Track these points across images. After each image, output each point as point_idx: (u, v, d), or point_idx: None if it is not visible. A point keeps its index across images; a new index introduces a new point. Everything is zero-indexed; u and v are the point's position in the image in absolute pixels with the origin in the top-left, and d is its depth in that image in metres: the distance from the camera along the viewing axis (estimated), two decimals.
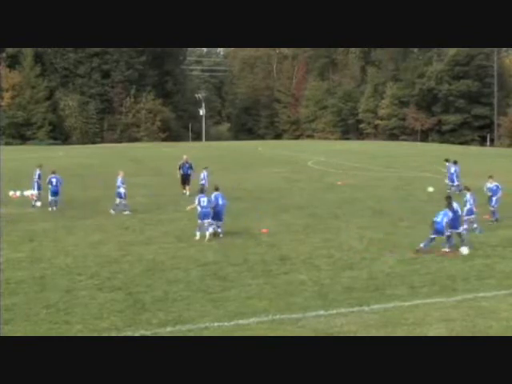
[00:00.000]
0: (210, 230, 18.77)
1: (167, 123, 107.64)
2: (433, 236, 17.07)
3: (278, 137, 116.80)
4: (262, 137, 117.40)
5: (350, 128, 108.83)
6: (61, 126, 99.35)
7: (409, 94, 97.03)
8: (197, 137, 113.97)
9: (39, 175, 26.71)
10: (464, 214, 18.55)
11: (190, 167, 26.99)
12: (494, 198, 21.41)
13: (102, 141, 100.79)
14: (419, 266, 15.45)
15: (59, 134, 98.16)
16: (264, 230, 20.25)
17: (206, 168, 28.74)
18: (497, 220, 21.17)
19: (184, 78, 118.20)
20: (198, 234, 18.78)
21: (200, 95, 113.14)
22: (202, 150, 74.12)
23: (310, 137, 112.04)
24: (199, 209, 18.82)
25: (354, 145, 78.02)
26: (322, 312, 11.84)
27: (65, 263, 15.92)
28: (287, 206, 26.18)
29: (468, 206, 19.17)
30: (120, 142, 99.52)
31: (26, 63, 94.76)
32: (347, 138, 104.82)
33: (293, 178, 38.30)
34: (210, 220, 18.79)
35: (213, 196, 19.47)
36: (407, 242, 18.49)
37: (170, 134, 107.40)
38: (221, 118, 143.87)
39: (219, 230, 19.21)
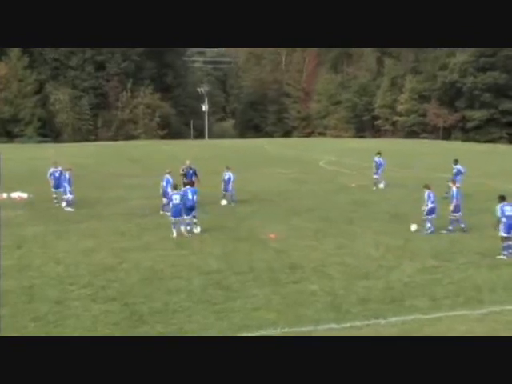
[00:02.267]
0: (184, 227, 20.31)
1: (167, 119, 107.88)
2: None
3: (286, 134, 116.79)
4: (269, 134, 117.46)
5: (365, 125, 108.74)
6: (51, 122, 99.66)
7: (430, 87, 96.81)
8: (199, 134, 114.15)
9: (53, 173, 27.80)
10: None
11: (195, 173, 26.39)
12: None
13: (96, 138, 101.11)
14: (441, 276, 15.41)
15: (49, 131, 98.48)
16: (272, 236, 20.26)
17: (228, 168, 28.35)
18: None
19: (185, 70, 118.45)
20: (174, 231, 20.17)
21: (202, 89, 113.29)
22: (204, 148, 74.24)
23: (322, 134, 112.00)
24: (171, 206, 20.39)
25: (369, 143, 77.97)
26: (334, 325, 11.84)
27: (55, 271, 15.96)
28: (297, 209, 26.19)
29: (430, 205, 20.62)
30: (115, 139, 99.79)
31: (13, 54, 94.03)
32: (362, 136, 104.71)
33: (303, 178, 38.31)
34: (185, 217, 20.30)
35: (182, 191, 20.82)
36: (428, 248, 18.44)
37: (170, 131, 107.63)
38: (225, 114, 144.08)
39: (195, 220, 20.70)
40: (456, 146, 71.90)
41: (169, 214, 24.39)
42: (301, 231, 21.20)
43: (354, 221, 23.15)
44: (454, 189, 21.22)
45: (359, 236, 20.33)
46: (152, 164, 50.30)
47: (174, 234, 20.05)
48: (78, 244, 19.32)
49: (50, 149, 69.98)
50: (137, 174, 42.14)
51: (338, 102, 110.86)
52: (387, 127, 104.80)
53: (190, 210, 20.77)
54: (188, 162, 26.96)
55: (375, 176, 33.48)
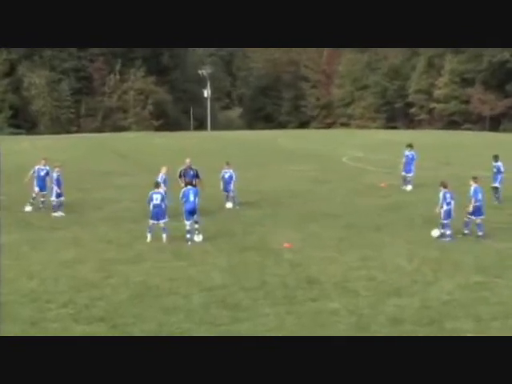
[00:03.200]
0: (166, 234, 20.76)
1: (162, 107, 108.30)
2: None
3: (303, 125, 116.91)
4: (283, 125, 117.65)
5: (396, 113, 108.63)
6: (25, 110, 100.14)
7: (474, 69, 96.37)
8: (200, 125, 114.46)
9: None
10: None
11: (196, 175, 25.87)
12: None
13: (79, 130, 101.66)
14: (488, 293, 15.36)
15: (23, 121, 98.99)
16: (286, 245, 20.29)
17: (228, 165, 28.44)
18: None
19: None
20: (149, 235, 20.87)
21: (204, 72, 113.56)
22: (206, 141, 74.41)
23: (345, 125, 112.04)
24: (150, 207, 20.98)
25: (401, 135, 77.80)
26: None
27: (29, 287, 16.03)
28: (315, 213, 26.20)
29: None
30: (101, 131, 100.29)
31: None
32: (393, 127, 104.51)
33: (322, 177, 38.30)
34: (165, 220, 20.95)
35: (182, 192, 21.40)
36: (470, 260, 18.39)
37: (166, 121, 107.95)
38: (231, 101, 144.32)
39: (197, 226, 21.08)
40: (506, 139, 71.57)
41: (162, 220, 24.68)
42: (320, 240, 21.21)
43: (383, 228, 23.12)
44: (474, 187, 21.47)
45: (388, 245, 20.30)
46: (145, 160, 50.51)
47: (149, 239, 20.78)
48: (57, 255, 19.40)
49: (24, 142, 70.42)
50: (127, 171, 42.31)
51: (365, 87, 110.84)
52: (423, 116, 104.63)
53: (191, 213, 21.01)
54: (188, 161, 26.33)
55: (404, 173, 33.23)
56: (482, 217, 21.63)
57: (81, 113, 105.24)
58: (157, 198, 21.07)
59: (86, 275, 17.07)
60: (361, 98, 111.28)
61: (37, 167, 27.98)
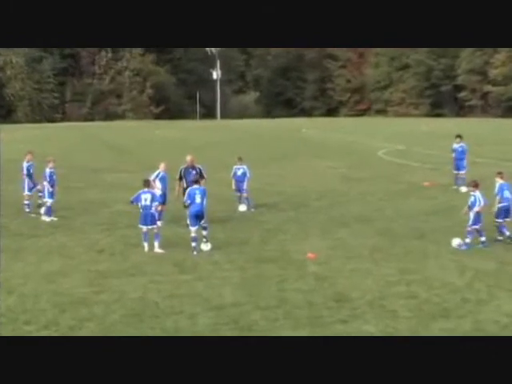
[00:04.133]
0: (158, 242, 21.02)
1: (163, 91, 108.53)
2: None
3: (331, 112, 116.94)
4: (307, 112, 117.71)
5: (443, 98, 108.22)
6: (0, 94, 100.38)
7: None
8: (208, 112, 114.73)
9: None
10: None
11: (200, 174, 25.16)
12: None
13: (64, 117, 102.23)
14: None
15: None
16: (310, 255, 20.25)
17: (240, 160, 28.50)
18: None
19: None
20: (145, 244, 21.07)
21: (213, 49, 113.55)
22: (215, 132, 74.58)
23: (382, 112, 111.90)
24: (140, 208, 21.34)
25: (449, 124, 77.58)
26: None
27: (6, 305, 16.06)
28: (346, 217, 26.16)
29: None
30: (91, 119, 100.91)
31: None
32: (439, 115, 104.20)
33: (355, 175, 38.23)
34: (155, 226, 21.18)
35: (187, 192, 21.67)
36: None
37: (168, 107, 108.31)
38: (244, 84, 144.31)
39: (205, 233, 21.26)
40: None
41: (159, 223, 24.88)
42: (351, 249, 21.15)
43: (427, 235, 23.02)
44: (500, 183, 21.68)
45: (434, 256, 20.20)
46: (142, 154, 50.68)
47: (146, 248, 20.95)
48: (39, 266, 19.44)
49: None
50: (121, 167, 42.48)
51: (405, 67, 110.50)
52: (475, 102, 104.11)
53: (198, 218, 21.08)
54: (189, 159, 25.44)
55: (456, 171, 33.00)
56: (508, 219, 21.65)
57: (66, 97, 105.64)
58: (146, 199, 21.20)
59: (72, 290, 17.07)
60: (400, 80, 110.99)
61: (25, 164, 27.94)
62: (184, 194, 23.07)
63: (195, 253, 20.68)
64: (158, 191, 25.01)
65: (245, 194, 27.96)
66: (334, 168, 41.17)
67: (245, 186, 27.91)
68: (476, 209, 21.06)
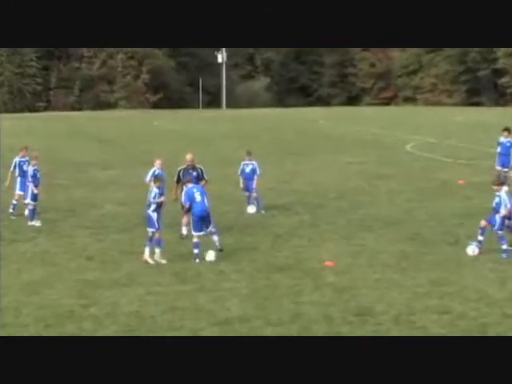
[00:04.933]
0: (160, 251, 20.83)
1: (161, 77, 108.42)
2: None
3: (353, 101, 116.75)
4: (325, 101, 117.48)
5: (481, 85, 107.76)
6: None
7: None
8: (212, 100, 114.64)
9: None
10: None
11: (200, 176, 24.86)
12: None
13: (48, 106, 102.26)
14: None
15: None
16: (328, 263, 20.28)
17: (249, 155, 28.41)
18: None
19: None
20: (146, 250, 20.80)
21: None
22: (220, 122, 74.44)
23: (410, 101, 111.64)
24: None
25: (487, 114, 77.35)
26: None
27: None
28: (369, 220, 26.18)
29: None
30: (79, 108, 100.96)
31: None
32: (476, 103, 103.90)
33: (379, 172, 38.17)
34: (153, 229, 20.98)
35: (185, 192, 21.53)
36: None
37: (167, 95, 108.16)
38: (254, 69, 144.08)
39: (215, 239, 21.30)
40: None
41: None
42: (375, 257, 21.17)
43: (462, 240, 22.93)
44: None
45: (470, 265, 20.17)
46: (137, 148, 50.70)
47: (145, 256, 20.72)
48: (20, 275, 19.48)
49: None
50: (113, 163, 42.54)
51: (437, 49, 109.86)
52: None
53: (204, 220, 21.02)
54: (189, 158, 25.17)
55: (500, 167, 32.84)
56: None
57: (51, 84, 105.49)
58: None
59: (57, 303, 17.08)
60: (431, 64, 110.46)
61: (17, 159, 27.76)
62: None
63: (197, 261, 20.68)
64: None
65: (254, 194, 27.85)
66: (356, 164, 41.11)
67: (254, 184, 27.81)
68: (502, 212, 21.00)
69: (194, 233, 20.96)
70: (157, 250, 20.95)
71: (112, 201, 30.22)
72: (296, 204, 29.48)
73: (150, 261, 20.62)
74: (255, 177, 27.78)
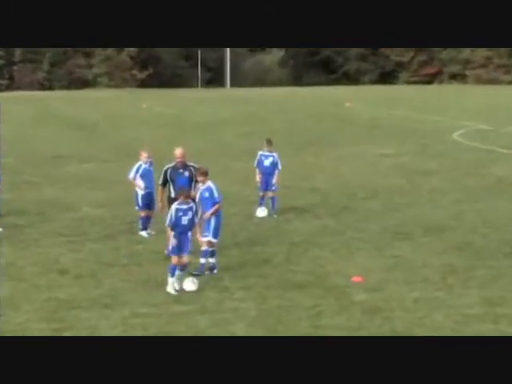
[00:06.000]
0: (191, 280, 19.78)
1: (151, 49, 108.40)
2: None
3: (386, 79, 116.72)
4: (352, 78, 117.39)
5: None
6: None
7: None
8: (214, 78, 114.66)
9: None
10: None
11: (190, 177, 23.87)
12: None
13: (11, 85, 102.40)
14: None
15: None
16: (356, 279, 20.28)
17: (269, 145, 28.18)
18: None
19: None
20: (172, 282, 19.63)
21: None
22: (223, 105, 74.31)
23: (458, 78, 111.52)
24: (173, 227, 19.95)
25: None
26: None
27: None
28: (407, 226, 26.16)
29: None
30: (49, 87, 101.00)
31: None
32: None
33: (420, 167, 38.15)
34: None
35: (173, 211, 20.15)
36: None
37: (157, 71, 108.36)
38: None
39: (212, 262, 21.15)
40: None
41: (145, 233, 24.72)
42: (414, 271, 21.15)
43: None
44: None
45: None
46: (121, 137, 50.76)
47: (172, 287, 19.73)
48: None
49: None
50: (91, 155, 42.60)
51: None
52: None
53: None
54: (179, 153, 24.12)
55: None
56: None
57: (14, 57, 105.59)
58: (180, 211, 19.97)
59: (24, 327, 17.12)
60: None
61: None
62: (170, 204, 21.69)
63: (194, 281, 20.36)
64: (139, 190, 25.11)
65: (270, 193, 27.71)
66: (391, 156, 41.12)
67: (274, 180, 27.79)
68: None
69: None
70: (170, 279, 19.76)
71: (91, 202, 30.22)
72: (316, 205, 29.47)
73: (173, 291, 19.54)
74: (276, 172, 27.65)
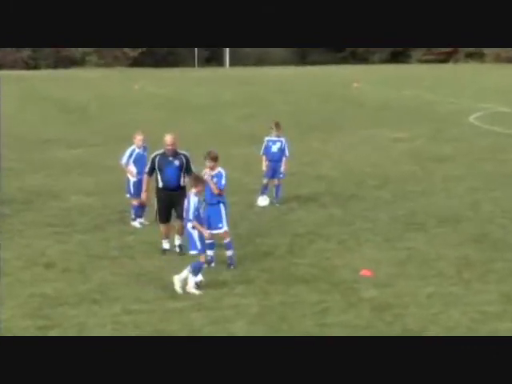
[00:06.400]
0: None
1: None
2: None
3: (398, 57, 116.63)
4: (361, 57, 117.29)
5: None
6: None
7: None
8: (212, 57, 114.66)
9: None
10: None
11: (184, 167, 23.26)
12: None
13: None
14: None
15: None
16: (365, 272, 20.28)
17: (278, 128, 28.11)
18: None
19: None
20: (193, 282, 19.29)
21: None
22: (222, 85, 74.33)
23: (476, 57, 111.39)
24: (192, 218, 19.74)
25: None
26: None
27: None
28: (420, 216, 26.16)
29: None
30: (34, 66, 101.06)
31: None
32: None
33: (434, 152, 38.14)
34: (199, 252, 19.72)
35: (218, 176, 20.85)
36: None
37: (151, 49, 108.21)
38: None
39: (230, 255, 21.12)
40: None
41: (137, 223, 24.74)
42: (428, 265, 21.15)
43: None
44: None
45: None
46: (112, 121, 50.75)
47: (195, 287, 19.30)
48: None
49: None
50: (80, 140, 42.61)
51: None
52: None
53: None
54: (169, 140, 23.34)
55: None
56: None
57: None
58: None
59: (7, 325, 17.07)
60: None
61: None
62: (158, 195, 22.16)
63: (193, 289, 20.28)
64: (131, 177, 25.07)
65: (276, 181, 27.84)
66: (403, 141, 41.11)
67: (282, 167, 27.85)
68: None
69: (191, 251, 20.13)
70: (192, 279, 19.43)
71: (79, 190, 30.21)
72: (322, 194, 29.48)
73: (196, 291, 19.18)
74: (283, 158, 27.64)
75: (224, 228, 21.04)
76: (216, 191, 20.93)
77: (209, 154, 21.46)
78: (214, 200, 21.04)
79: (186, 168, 22.40)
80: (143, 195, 23.24)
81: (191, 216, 19.51)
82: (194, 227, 19.53)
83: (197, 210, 19.67)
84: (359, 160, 36.40)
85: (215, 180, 20.99)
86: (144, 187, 23.09)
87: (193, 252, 19.72)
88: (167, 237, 22.62)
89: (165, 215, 22.61)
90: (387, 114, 52.17)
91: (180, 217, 22.06)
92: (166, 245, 22.43)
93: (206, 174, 21.02)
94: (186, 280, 19.25)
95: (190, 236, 19.75)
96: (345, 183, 31.48)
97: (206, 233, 20.05)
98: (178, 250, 22.19)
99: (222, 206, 21.14)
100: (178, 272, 20.04)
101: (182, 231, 21.67)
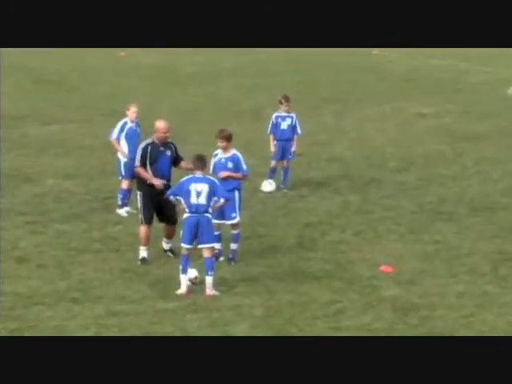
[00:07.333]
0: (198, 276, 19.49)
1: None
2: None
3: None
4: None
5: None
6: None
7: None
8: None
9: None
10: None
11: (171, 156, 22.97)
12: None
13: None
14: None
15: None
16: (386, 269, 20.40)
17: (287, 102, 28.07)
18: None
19: None
20: (183, 281, 19.48)
21: None
22: (222, 53, 74.12)
23: None
24: (186, 212, 19.84)
25: None
26: None
27: None
28: (449, 204, 26.21)
29: None
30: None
31: None
32: None
33: (466, 130, 38.17)
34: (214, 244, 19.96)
35: (181, 183, 20.22)
36: None
37: None
38: None
39: (234, 249, 21.30)
40: None
41: (123, 211, 24.81)
42: (458, 260, 21.27)
43: None
44: None
45: None
46: (93, 94, 50.83)
47: (208, 291, 19.42)
48: None
49: None
50: (58, 115, 42.64)
51: None
52: None
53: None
54: (163, 127, 23.17)
55: None
56: None
57: None
58: (199, 192, 19.51)
59: None
60: None
61: None
62: (144, 190, 21.72)
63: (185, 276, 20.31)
64: (122, 157, 25.08)
65: (284, 163, 27.93)
66: (430, 117, 41.14)
67: (294, 147, 27.91)
68: None
69: (183, 245, 20.22)
70: (211, 279, 19.40)
71: (56, 172, 30.24)
72: (337, 178, 29.48)
73: (216, 292, 19.26)
74: (295, 137, 27.65)
75: (237, 218, 21.10)
76: (241, 177, 21.06)
77: (221, 132, 21.41)
78: (229, 185, 20.92)
79: (175, 157, 22.33)
80: (157, 181, 21.87)
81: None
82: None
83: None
84: (379, 138, 36.41)
85: (231, 165, 20.98)
86: (147, 176, 22.04)
87: (210, 245, 19.56)
88: (147, 242, 21.98)
89: (151, 215, 22.24)
90: (412, 86, 52.12)
91: (171, 220, 22.11)
92: (144, 252, 21.65)
93: (218, 155, 21.05)
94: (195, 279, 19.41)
95: (209, 225, 19.57)
96: (362, 166, 31.49)
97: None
98: (171, 254, 21.91)
99: (237, 193, 21.14)
100: (168, 267, 20.18)
101: (172, 234, 21.63)
